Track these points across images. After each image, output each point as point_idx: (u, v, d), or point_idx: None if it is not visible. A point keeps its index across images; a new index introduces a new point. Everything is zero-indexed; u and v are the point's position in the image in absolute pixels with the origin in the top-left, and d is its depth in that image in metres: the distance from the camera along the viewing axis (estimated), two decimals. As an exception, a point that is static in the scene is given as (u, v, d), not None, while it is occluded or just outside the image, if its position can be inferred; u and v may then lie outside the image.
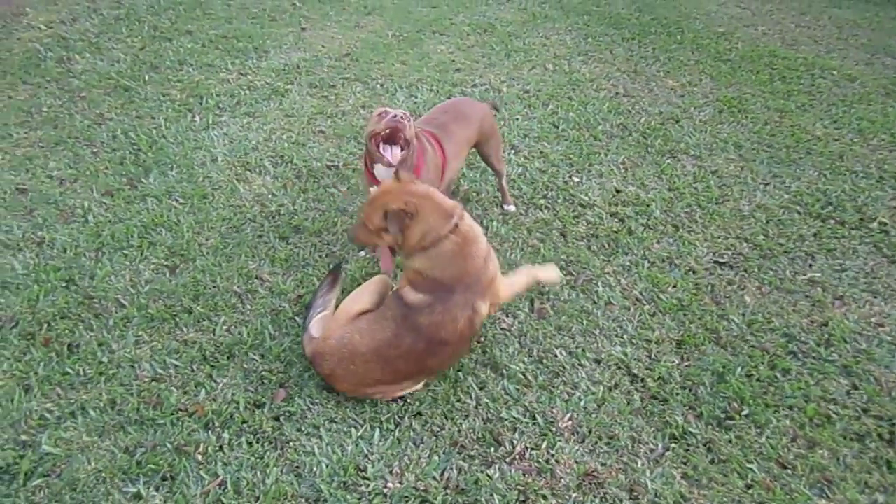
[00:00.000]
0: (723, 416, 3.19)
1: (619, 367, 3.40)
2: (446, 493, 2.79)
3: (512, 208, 4.49)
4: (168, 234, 4.11)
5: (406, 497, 2.76)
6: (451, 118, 4.02)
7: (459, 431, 3.05)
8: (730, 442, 3.07)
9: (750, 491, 2.87)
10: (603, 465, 2.94)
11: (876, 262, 4.26)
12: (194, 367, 3.30)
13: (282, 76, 6.06)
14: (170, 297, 3.67)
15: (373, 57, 6.53)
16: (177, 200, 4.41)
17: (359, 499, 2.75)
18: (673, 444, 3.05)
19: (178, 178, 4.62)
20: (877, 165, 5.31)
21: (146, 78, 5.85)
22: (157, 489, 2.77)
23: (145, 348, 3.39)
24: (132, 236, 4.07)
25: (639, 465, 2.93)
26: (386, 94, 5.85)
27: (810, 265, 4.21)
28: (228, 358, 3.35)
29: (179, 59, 6.21)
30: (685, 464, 2.97)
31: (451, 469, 2.89)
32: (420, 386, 3.19)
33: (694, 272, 4.05)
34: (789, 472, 2.97)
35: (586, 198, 4.64)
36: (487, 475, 2.87)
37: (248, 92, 5.74)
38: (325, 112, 5.52)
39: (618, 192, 4.74)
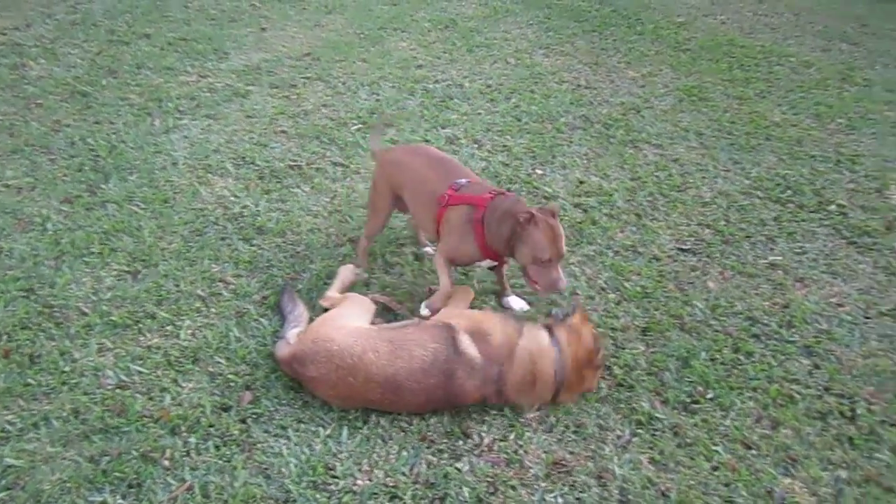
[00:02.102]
0: (688, 400, 3.23)
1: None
2: (416, 488, 2.79)
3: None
4: (129, 240, 4.06)
5: (375, 494, 2.76)
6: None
7: (427, 426, 3.05)
8: (695, 425, 3.11)
9: (716, 472, 2.91)
10: (571, 453, 2.96)
11: (835, 244, 4.34)
12: (159, 373, 3.26)
13: (242, 77, 6.02)
14: (132, 303, 3.63)
15: (334, 56, 6.51)
16: (137, 205, 4.36)
17: (328, 498, 2.75)
18: (640, 430, 3.08)
19: (139, 182, 4.56)
20: (834, 149, 5.40)
21: (104, 83, 5.77)
22: (123, 497, 2.74)
23: (108, 356, 3.35)
24: (92, 243, 4.01)
25: (606, 452, 2.96)
26: (348, 92, 5.83)
27: (771, 249, 4.27)
28: (193, 362, 3.32)
29: (137, 63, 6.13)
30: (652, 449, 3.00)
31: (420, 464, 2.89)
32: None
33: (657, 260, 4.10)
34: (754, 452, 3.01)
35: (550, 190, 4.67)
36: (456, 468, 2.87)
37: (208, 94, 5.68)
38: (287, 112, 5.48)
39: (581, 182, 4.78)
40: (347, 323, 3.23)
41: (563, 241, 3.16)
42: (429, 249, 4.04)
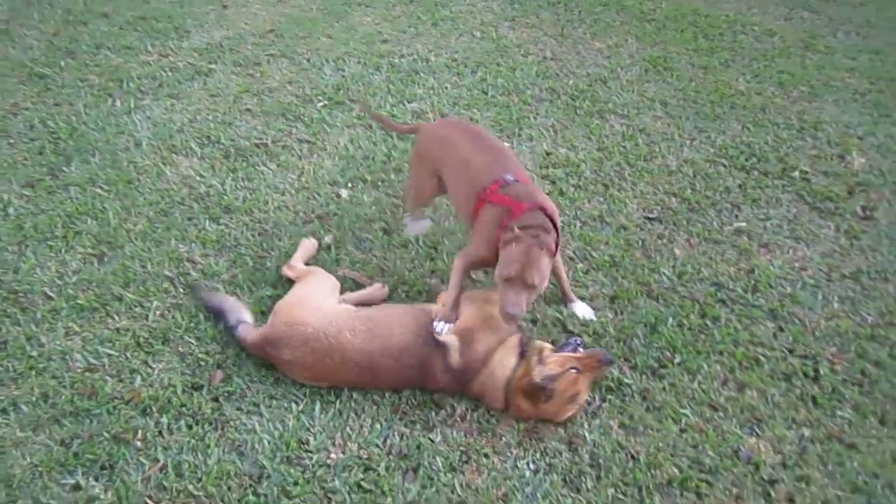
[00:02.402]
0: (656, 365, 3.29)
1: (555, 325, 3.46)
2: (389, 459, 2.82)
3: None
4: (94, 223, 4.00)
5: (350, 466, 2.78)
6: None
7: (400, 399, 3.08)
8: (663, 390, 3.17)
9: (684, 434, 2.98)
10: (542, 421, 3.00)
11: (798, 210, 4.41)
12: (128, 355, 3.24)
13: (205, 56, 5.91)
14: (99, 286, 3.59)
15: (298, 32, 6.42)
16: (101, 188, 4.29)
17: (302, 471, 2.76)
18: (609, 396, 3.13)
19: (101, 164, 4.49)
20: (797, 117, 5.46)
21: (62, 64, 5.64)
22: (96, 479, 2.73)
23: (76, 339, 3.31)
24: (56, 227, 3.95)
25: (577, 419, 3.00)
26: (313, 68, 5.76)
27: (736, 216, 4.33)
28: (163, 343, 3.30)
29: (96, 43, 6.00)
30: (622, 413, 3.06)
31: (394, 436, 2.91)
32: None
33: (625, 229, 4.13)
34: (721, 414, 3.08)
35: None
36: (429, 439, 2.90)
37: (170, 73, 5.58)
38: (252, 90, 5.41)
39: (548, 154, 4.79)
40: (320, 304, 3.22)
41: (535, 272, 2.85)
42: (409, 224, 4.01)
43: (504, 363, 2.99)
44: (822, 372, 3.28)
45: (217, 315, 3.37)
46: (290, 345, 3.03)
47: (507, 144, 3.63)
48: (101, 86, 5.37)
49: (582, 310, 3.49)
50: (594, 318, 3.46)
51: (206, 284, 3.59)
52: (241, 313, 3.31)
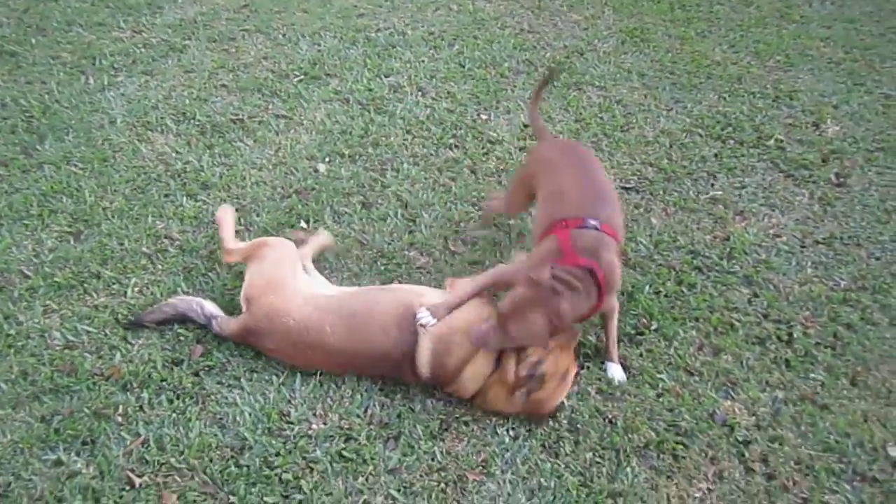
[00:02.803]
0: (633, 332, 3.33)
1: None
2: (370, 428, 2.85)
3: None
4: (69, 201, 3.97)
5: (331, 436, 2.81)
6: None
7: (380, 370, 3.10)
8: (640, 356, 3.21)
9: (661, 399, 3.03)
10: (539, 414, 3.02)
11: (773, 178, 4.45)
12: (107, 332, 3.24)
13: (178, 32, 5.84)
14: (76, 264, 3.57)
15: (273, 7, 6.35)
16: (76, 166, 4.25)
17: (284, 442, 2.79)
18: (587, 363, 3.17)
19: (76, 142, 4.44)
20: (773, 86, 5.49)
21: (33, 42, 5.55)
22: (78, 454, 2.75)
23: (54, 317, 3.31)
24: (31, 206, 3.92)
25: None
26: (288, 43, 5.71)
27: (712, 184, 4.37)
28: (147, 325, 3.29)
29: (67, 20, 5.90)
30: (599, 380, 3.10)
31: (374, 405, 2.94)
32: None
33: (602, 199, 4.15)
34: (696, 378, 3.13)
35: (495, 134, 4.68)
36: (410, 408, 2.94)
37: (143, 50, 5.52)
38: (227, 66, 5.36)
39: (526, 126, 4.79)
40: (294, 287, 3.11)
41: (516, 327, 2.69)
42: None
43: (477, 375, 2.89)
44: (795, 336, 3.34)
45: (182, 320, 3.26)
46: (273, 337, 3.01)
47: (614, 188, 3.33)
48: (74, 63, 5.30)
49: (614, 372, 3.14)
50: (624, 381, 3.12)
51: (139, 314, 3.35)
52: (203, 308, 3.21)
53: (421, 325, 2.88)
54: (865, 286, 3.65)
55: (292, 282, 3.14)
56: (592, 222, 2.87)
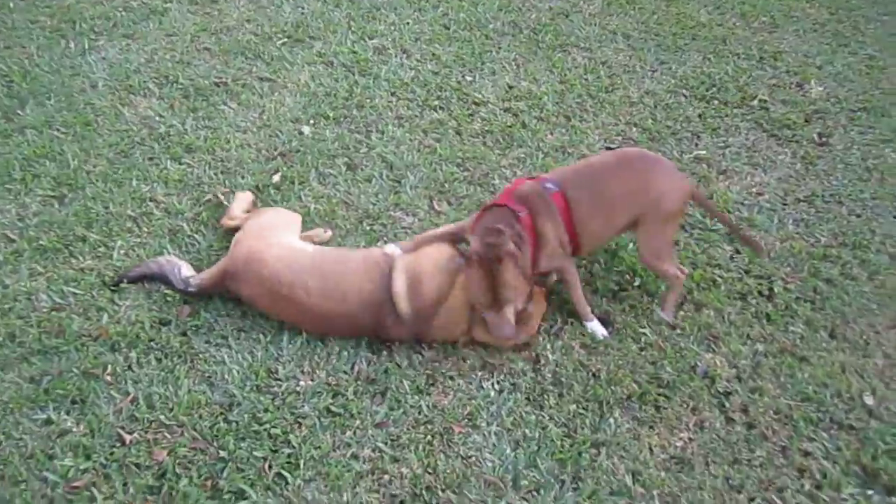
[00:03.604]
0: (617, 288, 3.38)
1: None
2: (357, 384, 2.89)
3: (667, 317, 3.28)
4: (52, 165, 3.95)
5: (319, 392, 2.85)
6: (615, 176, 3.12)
7: (367, 328, 3.13)
8: (623, 311, 3.26)
9: (643, 352, 3.08)
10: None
11: (756, 137, 4.48)
12: (94, 294, 3.25)
13: (159, -5, 5.78)
14: (61, 228, 3.57)
15: (255, -31, 6.27)
16: (58, 130, 4.22)
17: (272, 399, 2.82)
18: (571, 319, 3.21)
19: (57, 107, 4.41)
20: (757, 47, 5.50)
21: (11, 5, 5.46)
22: (67, 413, 2.77)
23: (41, 280, 3.31)
24: (13, 170, 3.89)
25: (540, 340, 3.09)
26: (271, 6, 5.65)
27: (696, 144, 4.39)
28: (131, 282, 3.30)
29: (46, -16, 5.82)
30: (583, 335, 3.14)
31: (361, 362, 2.98)
32: None
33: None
34: (679, 332, 3.19)
35: (480, 96, 4.67)
36: (396, 364, 2.97)
37: (124, 13, 5.44)
38: (209, 29, 5.31)
39: (510, 88, 4.79)
40: (280, 238, 3.18)
41: (502, 291, 2.76)
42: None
43: (454, 311, 2.97)
44: (776, 290, 3.39)
45: (161, 280, 3.27)
46: (248, 281, 3.05)
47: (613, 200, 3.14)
48: (53, 27, 5.23)
49: (594, 328, 3.15)
50: (606, 336, 3.15)
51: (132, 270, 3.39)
52: (181, 272, 3.23)
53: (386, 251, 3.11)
54: (846, 242, 3.70)
55: (279, 234, 3.21)
56: (549, 185, 3.02)
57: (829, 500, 2.56)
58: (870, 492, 2.59)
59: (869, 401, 2.91)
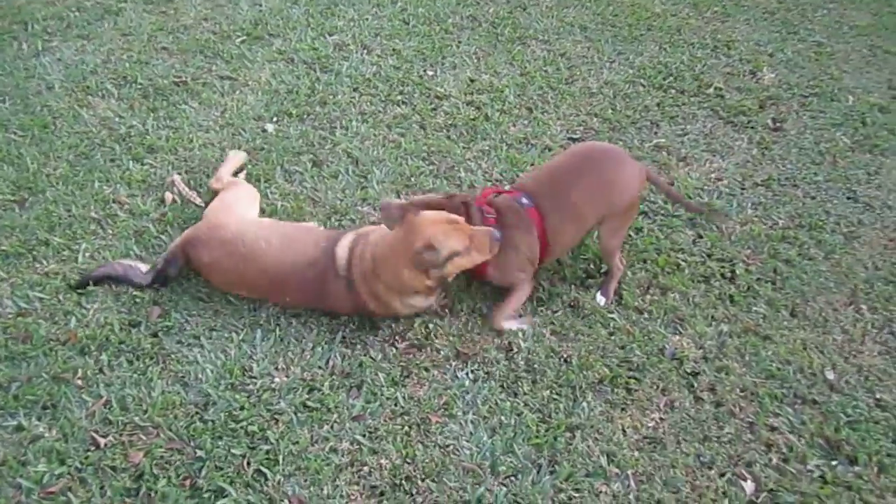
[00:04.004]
0: (584, 275, 3.44)
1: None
2: (333, 379, 2.90)
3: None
4: (10, 169, 3.88)
5: (294, 388, 2.85)
6: (579, 178, 3.13)
7: (339, 324, 3.14)
8: (592, 298, 3.31)
9: (613, 337, 3.14)
10: (478, 334, 3.12)
11: (713, 124, 4.58)
12: (60, 297, 3.20)
13: (113, -6, 5.69)
14: (23, 232, 3.51)
15: (210, -33, 6.20)
16: (15, 133, 4.14)
17: (248, 396, 2.82)
18: (540, 308, 3.26)
19: (13, 109, 4.32)
20: (711, 36, 5.62)
21: (-41, 8, 5.35)
22: (38, 419, 2.73)
23: (4, 285, 3.25)
24: (-30, 175, 3.82)
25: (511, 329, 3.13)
26: (228, 4, 5.60)
27: (656, 132, 4.47)
28: (96, 283, 3.26)
29: (-6, -15, 5.70)
30: (553, 323, 3.19)
31: (335, 357, 2.99)
32: None
33: (549, 149, 4.23)
34: (646, 316, 3.25)
35: (442, 90, 4.70)
36: (371, 357, 2.99)
37: (77, 14, 5.35)
38: (166, 28, 5.24)
39: (472, 81, 4.82)
40: (245, 212, 3.36)
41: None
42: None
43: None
44: (737, 272, 3.48)
45: (125, 282, 3.26)
46: (209, 246, 3.12)
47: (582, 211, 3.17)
48: (5, 29, 5.13)
49: (509, 325, 3.16)
50: (523, 328, 3.15)
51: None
52: (142, 269, 3.27)
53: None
54: (802, 224, 3.81)
55: (244, 208, 3.40)
56: (525, 200, 3.08)
57: (796, 472, 2.65)
58: (834, 462, 2.69)
59: (830, 375, 3.01)
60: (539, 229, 3.06)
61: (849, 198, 4.01)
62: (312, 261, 3.03)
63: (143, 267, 3.28)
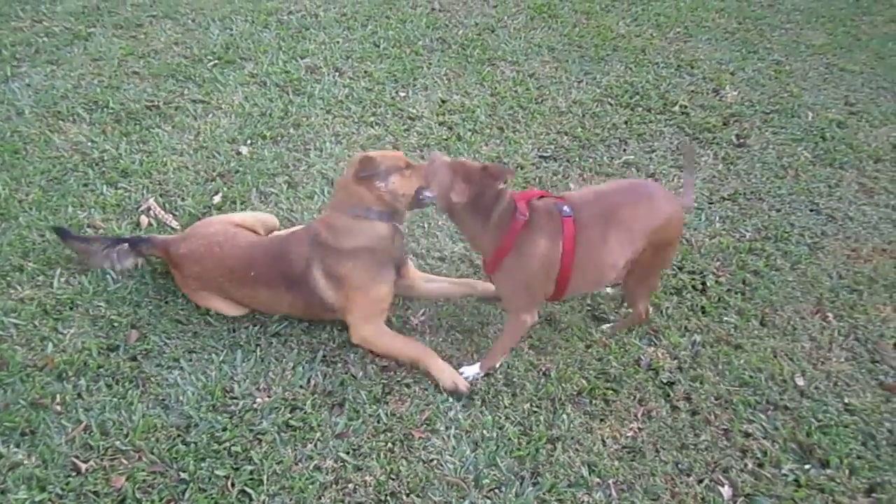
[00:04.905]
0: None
1: (462, 261, 3.62)
2: (315, 398, 2.91)
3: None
4: (-19, 195, 3.85)
5: (276, 407, 2.86)
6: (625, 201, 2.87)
7: (319, 342, 3.16)
8: (566, 312, 3.37)
9: (590, 350, 3.20)
10: (458, 350, 3.16)
11: (680, 141, 4.70)
12: (36, 323, 3.18)
13: (81, 19, 5.67)
14: (-4, 258, 3.48)
15: (179, -8, 6.23)
16: (-15, 159, 4.12)
17: (230, 417, 2.82)
18: (519, 322, 3.30)
19: (-18, 136, 4.30)
20: (674, 56, 5.77)
21: (-76, 34, 5.31)
22: (17, 445, 2.70)
23: (-23, 312, 3.22)
24: (-60, 202, 3.78)
25: (489, 345, 3.17)
26: (199, 28, 5.63)
27: (624, 150, 4.58)
28: (72, 308, 3.25)
29: (-40, 11, 5.66)
30: (531, 337, 3.24)
31: (317, 376, 3.00)
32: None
33: (521, 167, 4.31)
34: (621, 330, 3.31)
35: (414, 111, 4.76)
36: (352, 375, 3.01)
37: (46, 39, 5.34)
38: (137, 52, 5.25)
39: (444, 102, 4.90)
40: (228, 217, 3.47)
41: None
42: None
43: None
44: (708, 284, 3.57)
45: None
46: (190, 239, 3.23)
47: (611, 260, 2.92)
48: (-28, 55, 5.09)
49: (470, 372, 3.04)
50: (474, 376, 3.05)
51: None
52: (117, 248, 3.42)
53: None
54: (768, 236, 3.92)
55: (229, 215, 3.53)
56: (566, 208, 2.81)
57: (771, 476, 2.72)
58: (807, 466, 2.76)
59: (800, 382, 3.10)
60: (568, 243, 2.78)
61: (812, 210, 4.14)
62: (286, 245, 3.12)
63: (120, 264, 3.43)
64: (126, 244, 3.38)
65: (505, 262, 2.82)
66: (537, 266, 2.81)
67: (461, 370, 3.03)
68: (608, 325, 3.34)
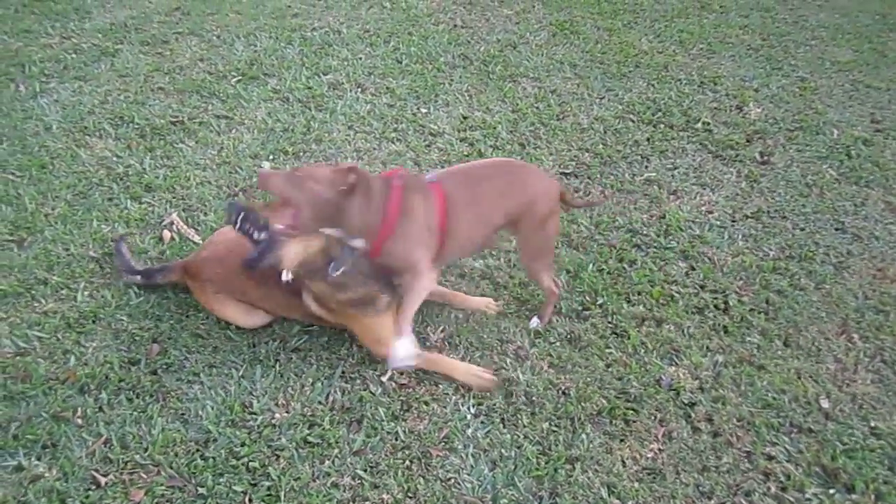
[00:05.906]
0: (580, 308, 3.47)
1: (484, 278, 3.61)
2: (333, 414, 2.91)
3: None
4: (9, 209, 3.90)
5: (295, 423, 2.86)
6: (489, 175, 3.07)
7: (339, 358, 3.16)
8: (586, 330, 3.35)
9: (610, 369, 3.17)
10: (478, 365, 3.14)
11: (702, 158, 4.67)
12: (59, 336, 3.21)
13: (109, 36, 5.77)
14: (21, 271, 3.52)
15: (205, 9, 6.32)
16: (13, 174, 4.17)
17: (248, 433, 2.82)
18: (537, 340, 3.29)
19: (11, 150, 4.36)
20: (697, 72, 5.75)
21: (-44, 50, 5.42)
22: (38, 458, 2.72)
23: (3, 325, 3.25)
24: (-31, 215, 3.84)
25: (509, 363, 3.16)
26: (224, 45, 5.70)
27: (646, 166, 4.56)
28: (94, 322, 3.28)
29: (-9, 28, 5.78)
30: (551, 355, 3.22)
31: (335, 392, 3.00)
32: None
33: (543, 184, 4.29)
34: (642, 348, 3.28)
35: (435, 127, 4.78)
36: (370, 392, 3.00)
37: (74, 55, 5.43)
38: (162, 69, 5.32)
39: (465, 118, 4.91)
40: None
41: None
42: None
43: None
44: (731, 303, 3.53)
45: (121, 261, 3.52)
46: (209, 245, 3.30)
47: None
48: (2, 71, 5.19)
49: (403, 345, 2.93)
50: (409, 357, 2.95)
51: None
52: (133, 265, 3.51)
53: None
54: (792, 255, 3.87)
55: None
56: (429, 175, 3.00)
57: (794, 501, 2.67)
58: (831, 490, 2.71)
59: (825, 404, 3.05)
60: (440, 205, 2.88)
61: (837, 229, 4.09)
62: None
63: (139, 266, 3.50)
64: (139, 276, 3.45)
65: (396, 228, 2.80)
66: (423, 220, 2.86)
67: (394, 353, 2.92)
68: (535, 321, 3.36)
